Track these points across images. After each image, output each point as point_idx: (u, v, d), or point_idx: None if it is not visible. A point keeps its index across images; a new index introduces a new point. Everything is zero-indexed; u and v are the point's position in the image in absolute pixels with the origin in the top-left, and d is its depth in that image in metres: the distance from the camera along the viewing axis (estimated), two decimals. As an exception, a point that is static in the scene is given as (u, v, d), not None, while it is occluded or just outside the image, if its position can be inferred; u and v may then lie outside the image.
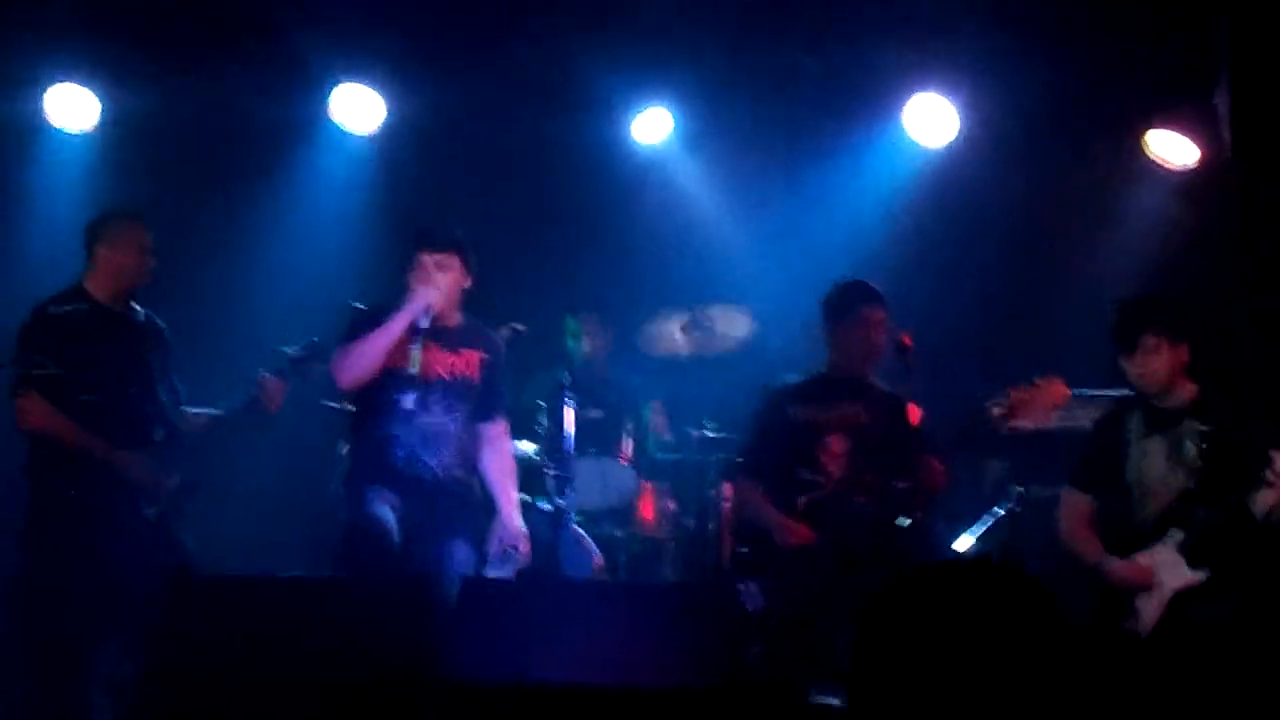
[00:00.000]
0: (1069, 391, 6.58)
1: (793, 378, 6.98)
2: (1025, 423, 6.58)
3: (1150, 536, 6.25)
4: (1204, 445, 6.24)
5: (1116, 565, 6.29)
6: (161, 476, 6.62)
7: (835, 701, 6.21)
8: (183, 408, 6.89)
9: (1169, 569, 6.17)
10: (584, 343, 8.61)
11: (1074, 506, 6.55)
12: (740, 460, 7.14)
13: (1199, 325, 6.46)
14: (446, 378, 6.62)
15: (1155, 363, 6.36)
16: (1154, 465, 6.35)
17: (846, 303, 6.87)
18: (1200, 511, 6.15)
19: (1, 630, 6.74)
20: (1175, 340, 6.36)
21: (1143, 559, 6.23)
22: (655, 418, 8.87)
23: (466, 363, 6.69)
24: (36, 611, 6.46)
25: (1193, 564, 6.14)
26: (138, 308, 6.79)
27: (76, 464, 6.45)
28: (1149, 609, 6.19)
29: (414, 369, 6.45)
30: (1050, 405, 6.58)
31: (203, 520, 6.86)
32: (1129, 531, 6.32)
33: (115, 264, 6.70)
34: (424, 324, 6.47)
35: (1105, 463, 6.46)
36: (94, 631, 6.43)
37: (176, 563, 6.53)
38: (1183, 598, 6.13)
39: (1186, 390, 6.40)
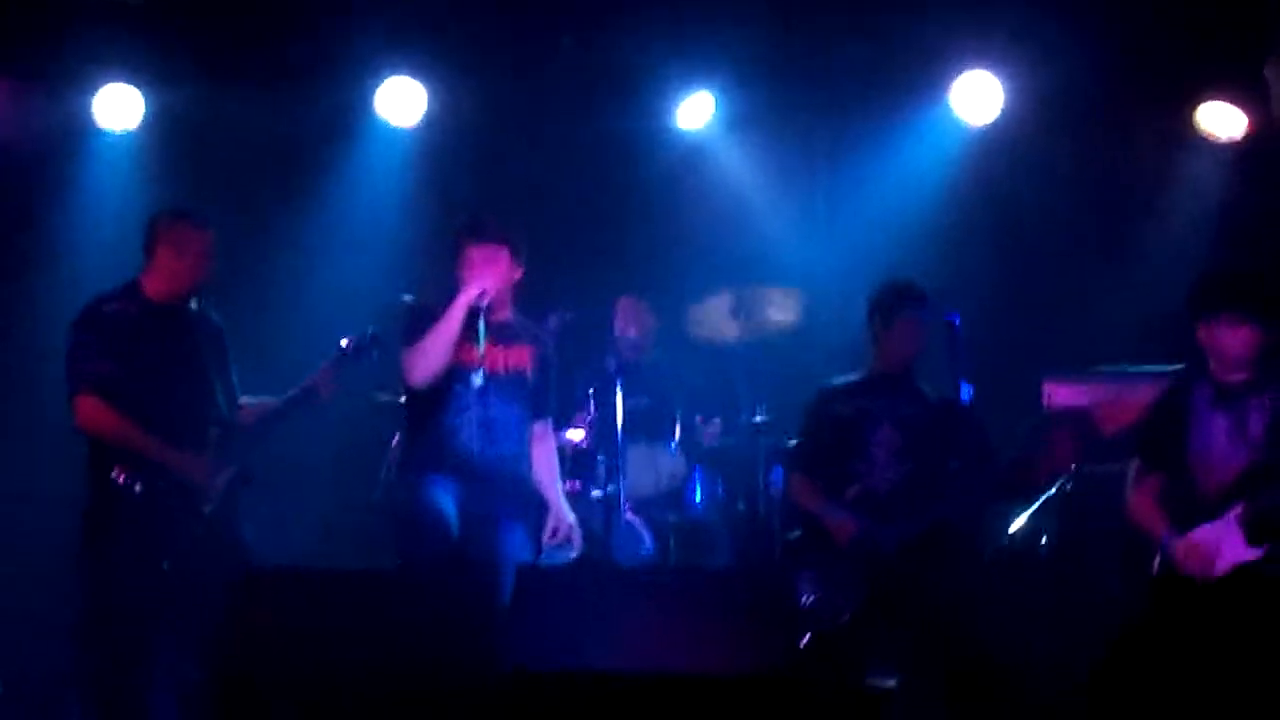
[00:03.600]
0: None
1: (841, 379, 6.98)
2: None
3: (1211, 513, 6.18)
4: (1268, 420, 6.15)
5: (1178, 544, 6.24)
6: (217, 474, 6.63)
7: (890, 683, 6.20)
8: (241, 399, 6.88)
9: (1229, 544, 6.11)
10: (631, 328, 8.62)
11: (1140, 479, 6.46)
12: (790, 457, 7.18)
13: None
14: (501, 371, 6.63)
15: (1234, 339, 6.23)
16: (1216, 441, 6.26)
17: (887, 311, 6.84)
18: (1263, 489, 6.08)
19: (63, 633, 6.77)
20: (1266, 326, 6.20)
21: (1203, 534, 6.17)
22: (705, 429, 8.84)
23: (519, 357, 6.69)
24: (98, 613, 6.43)
25: (1252, 541, 6.08)
26: (194, 305, 6.75)
27: (136, 461, 6.41)
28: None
29: (478, 363, 6.48)
30: (1125, 422, 6.44)
31: (256, 513, 6.88)
32: (1191, 507, 6.25)
33: (175, 267, 6.64)
34: (483, 304, 6.49)
35: (1168, 436, 6.37)
36: (156, 631, 6.42)
37: (236, 558, 6.53)
38: (1239, 574, 6.08)
39: (1250, 368, 6.30)
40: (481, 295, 6.49)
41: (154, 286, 6.64)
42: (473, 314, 6.49)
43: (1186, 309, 6.34)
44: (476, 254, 6.59)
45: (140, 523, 6.40)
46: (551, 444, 6.94)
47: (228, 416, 6.75)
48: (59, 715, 6.83)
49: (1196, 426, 6.28)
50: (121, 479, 6.41)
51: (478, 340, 6.49)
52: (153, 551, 6.38)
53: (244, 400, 6.88)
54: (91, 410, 6.41)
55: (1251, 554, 6.06)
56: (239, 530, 6.67)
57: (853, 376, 6.97)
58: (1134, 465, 6.49)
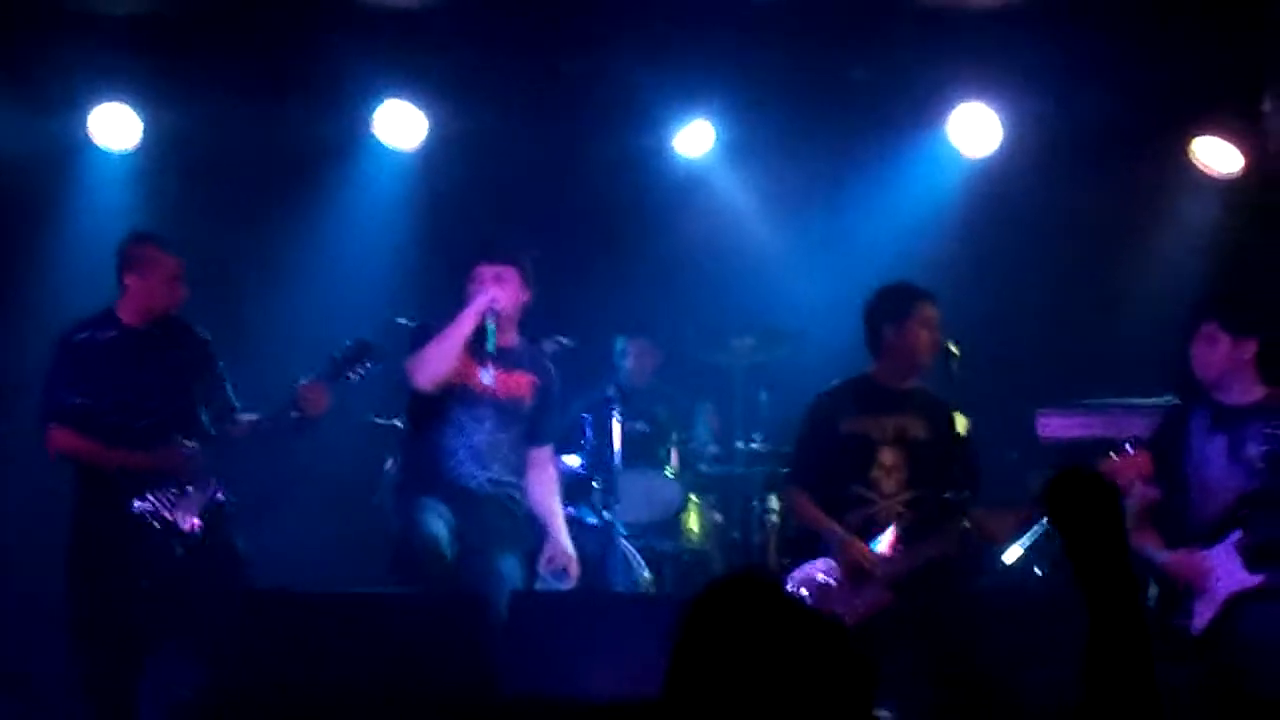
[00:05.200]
0: (1152, 469, 6.40)
1: (839, 384, 6.78)
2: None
3: (1209, 536, 6.20)
4: (1267, 448, 6.18)
5: (1171, 558, 6.25)
6: (196, 476, 6.60)
7: (885, 714, 6.19)
8: (235, 416, 6.87)
9: (1226, 570, 6.13)
10: (631, 362, 8.62)
11: (1135, 501, 6.45)
12: (789, 470, 7.02)
13: (1270, 324, 6.40)
14: (501, 396, 6.65)
15: (1210, 354, 6.31)
16: (1214, 464, 6.29)
17: (901, 303, 6.64)
18: (1261, 515, 6.10)
19: (50, 655, 6.78)
20: (1236, 335, 6.30)
21: (1200, 557, 6.19)
22: (710, 419, 8.82)
23: (519, 384, 6.72)
24: (83, 626, 6.49)
25: (1251, 567, 6.10)
26: (173, 324, 6.79)
27: (113, 482, 6.48)
28: (1204, 608, 6.15)
29: (481, 382, 6.52)
30: (1136, 476, 6.38)
31: (254, 530, 6.89)
32: (1188, 529, 6.27)
33: (144, 292, 6.70)
34: (495, 308, 6.54)
35: (1167, 457, 6.39)
36: (143, 645, 6.48)
37: (229, 571, 6.57)
38: (1239, 600, 6.09)
39: (1255, 391, 6.34)
40: (494, 301, 6.54)
41: (126, 312, 6.70)
42: (479, 330, 6.55)
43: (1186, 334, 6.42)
44: (487, 273, 6.65)
45: (119, 542, 6.45)
46: (552, 470, 6.96)
47: (212, 431, 6.75)
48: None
49: (1195, 448, 6.33)
50: (101, 500, 6.48)
51: (482, 357, 6.55)
52: (133, 569, 6.44)
53: (243, 417, 6.87)
54: (60, 440, 6.54)
55: (1250, 581, 6.08)
56: (231, 542, 6.68)
57: (852, 383, 6.73)
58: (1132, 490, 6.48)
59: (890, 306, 6.68)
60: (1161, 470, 6.38)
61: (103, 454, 6.49)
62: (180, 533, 6.51)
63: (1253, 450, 6.23)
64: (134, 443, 6.52)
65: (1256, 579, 6.08)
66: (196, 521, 6.57)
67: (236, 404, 6.89)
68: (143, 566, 6.43)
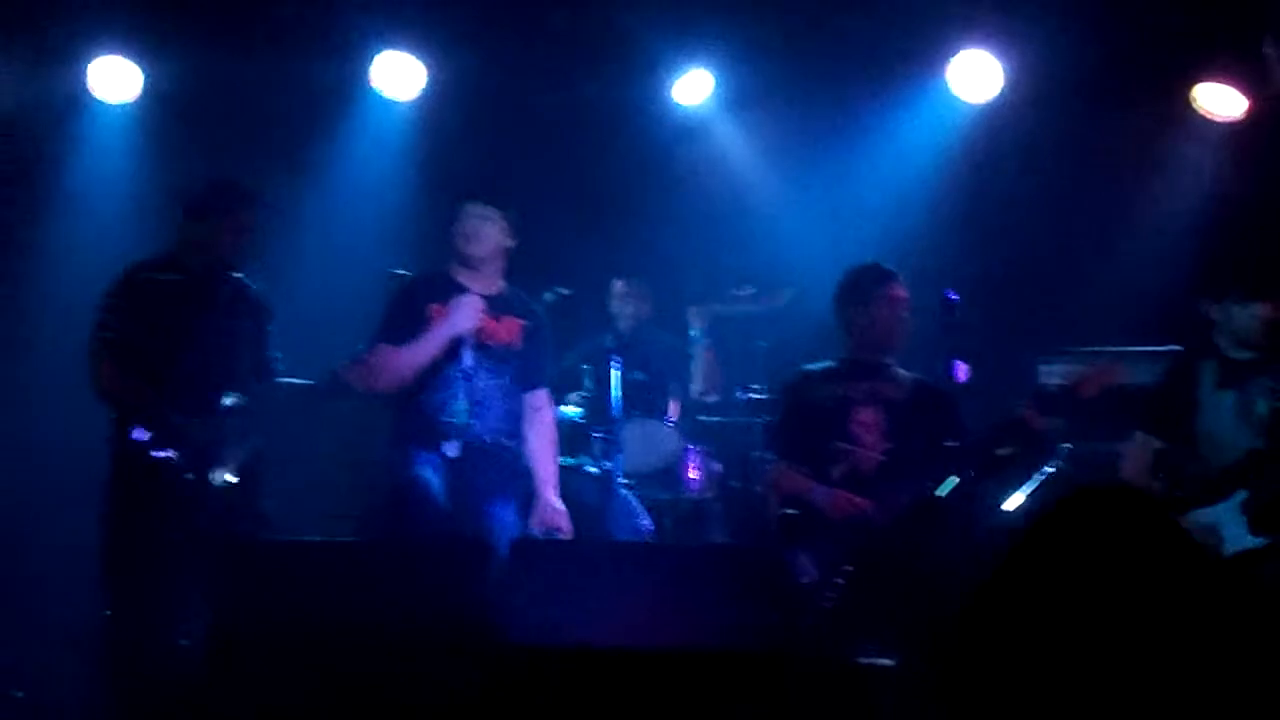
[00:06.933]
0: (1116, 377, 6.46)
1: (818, 365, 6.87)
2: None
3: (1215, 492, 6.17)
4: (1275, 405, 6.16)
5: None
6: (224, 442, 6.64)
7: (886, 662, 6.21)
8: (278, 380, 6.97)
9: (1230, 529, 6.10)
10: (629, 307, 8.61)
11: (1139, 452, 6.46)
12: (771, 446, 7.11)
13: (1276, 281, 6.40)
14: (489, 344, 6.61)
15: (1247, 316, 6.29)
16: (1223, 420, 6.27)
17: (865, 287, 6.73)
18: (1267, 475, 6.06)
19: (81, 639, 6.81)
20: (1245, 302, 6.30)
21: (1204, 516, 6.16)
22: (703, 363, 8.77)
23: (508, 330, 6.68)
24: (112, 576, 6.54)
25: (1255, 528, 6.06)
26: (236, 277, 6.86)
27: (154, 424, 6.51)
28: None
29: (467, 359, 6.50)
30: (1105, 384, 6.42)
31: (282, 486, 6.98)
32: (1194, 485, 6.26)
33: (209, 240, 6.78)
34: (467, 362, 6.51)
35: (1176, 411, 6.38)
36: (162, 596, 6.47)
37: (249, 530, 6.59)
38: (1240, 560, 6.06)
39: (1263, 345, 6.32)
40: (464, 328, 6.53)
41: (189, 254, 6.77)
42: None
43: (1196, 287, 6.39)
44: (474, 211, 6.60)
45: (152, 489, 6.48)
46: (547, 416, 6.90)
47: (252, 388, 6.82)
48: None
49: (1204, 405, 6.30)
50: (142, 439, 6.50)
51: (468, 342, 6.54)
52: (164, 515, 6.47)
53: (284, 380, 6.98)
54: (104, 375, 6.58)
55: (1253, 543, 6.04)
56: (258, 504, 6.73)
57: (829, 363, 6.83)
58: (1136, 438, 6.49)
59: (854, 291, 6.77)
60: (1167, 422, 6.38)
61: (141, 396, 6.53)
62: (212, 487, 6.56)
63: (1261, 408, 6.20)
64: (169, 386, 6.56)
65: (1260, 541, 6.04)
66: (230, 478, 6.61)
67: (278, 368, 6.97)
68: (173, 517, 6.47)
